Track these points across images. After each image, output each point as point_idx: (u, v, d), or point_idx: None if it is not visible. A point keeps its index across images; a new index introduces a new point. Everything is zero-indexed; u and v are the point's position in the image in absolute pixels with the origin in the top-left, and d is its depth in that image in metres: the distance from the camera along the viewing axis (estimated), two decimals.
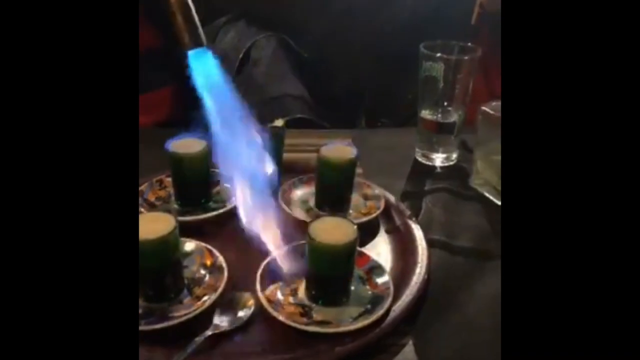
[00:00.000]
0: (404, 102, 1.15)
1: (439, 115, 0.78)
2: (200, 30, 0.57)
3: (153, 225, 0.47)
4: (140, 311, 0.48)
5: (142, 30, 1.11)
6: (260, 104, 0.98)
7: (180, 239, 0.49)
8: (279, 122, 0.86)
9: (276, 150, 0.69)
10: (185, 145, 0.62)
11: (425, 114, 0.79)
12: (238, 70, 1.03)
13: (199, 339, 0.45)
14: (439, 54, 0.74)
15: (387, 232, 0.63)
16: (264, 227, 0.54)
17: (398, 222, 0.63)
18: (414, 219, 0.63)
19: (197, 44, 0.56)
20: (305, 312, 0.49)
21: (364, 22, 1.11)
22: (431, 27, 0.91)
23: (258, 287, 0.50)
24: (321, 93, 1.08)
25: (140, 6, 1.11)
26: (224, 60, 1.05)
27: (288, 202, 0.65)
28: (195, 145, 0.61)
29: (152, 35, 1.14)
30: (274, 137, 0.69)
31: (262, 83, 1.00)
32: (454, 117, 0.77)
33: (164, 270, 0.48)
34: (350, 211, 0.64)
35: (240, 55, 1.03)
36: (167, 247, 0.47)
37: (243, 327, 0.47)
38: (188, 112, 0.63)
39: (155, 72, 1.14)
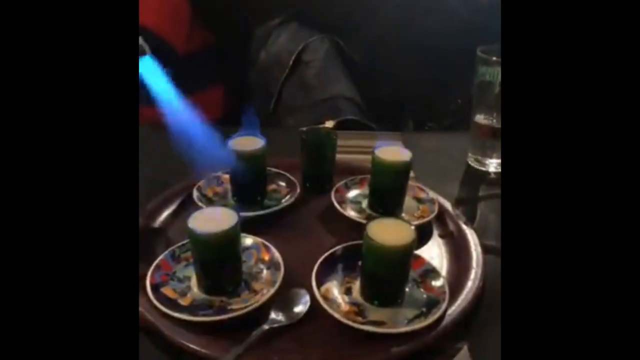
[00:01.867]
0: (452, 106, 1.14)
1: (494, 120, 0.77)
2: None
3: (216, 219, 0.48)
4: (199, 303, 0.49)
5: (197, 30, 1.14)
6: (312, 105, 0.99)
7: (240, 234, 0.50)
8: (330, 123, 0.87)
9: (328, 151, 0.70)
10: (243, 143, 0.63)
11: (480, 118, 0.78)
12: (290, 72, 1.04)
13: (256, 333, 0.46)
14: (495, 58, 0.73)
15: (441, 236, 0.62)
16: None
17: (452, 226, 0.63)
18: (467, 224, 0.63)
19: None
20: (360, 311, 0.49)
21: (416, 28, 1.11)
22: (483, 32, 0.90)
23: (314, 284, 0.50)
24: (371, 95, 1.09)
25: (194, 7, 1.14)
26: (277, 61, 1.08)
27: (341, 202, 0.65)
28: (253, 143, 0.63)
29: (205, 34, 1.17)
30: (326, 137, 0.70)
31: (313, 85, 1.01)
32: None
33: (225, 263, 0.49)
34: (403, 214, 0.64)
35: (293, 57, 1.04)
36: (229, 241, 0.48)
37: (299, 323, 0.48)
38: (239, 110, 0.65)
39: (209, 71, 1.17)
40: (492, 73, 0.74)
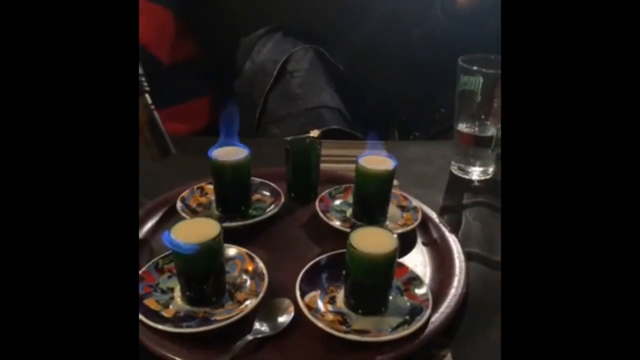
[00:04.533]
0: (437, 116, 1.16)
1: (476, 129, 0.78)
2: (169, 140, 0.60)
3: (198, 230, 0.48)
4: (182, 314, 0.49)
5: (183, 40, 1.14)
6: (296, 114, 1.00)
7: (223, 244, 0.50)
8: (315, 133, 0.87)
9: (313, 160, 0.71)
10: (226, 153, 0.63)
11: (462, 127, 0.79)
12: (275, 82, 1.05)
13: (239, 344, 0.46)
14: (476, 68, 0.74)
15: (424, 244, 0.63)
16: None
17: (435, 234, 0.63)
18: (450, 231, 0.63)
19: (166, 154, 0.59)
20: (344, 320, 0.49)
21: (400, 38, 1.12)
22: (466, 42, 0.91)
23: (298, 294, 0.50)
24: (356, 105, 1.10)
25: (179, 18, 1.14)
26: (262, 71, 1.08)
27: (325, 211, 0.65)
28: (236, 153, 0.63)
29: (191, 45, 1.17)
30: (310, 147, 0.70)
31: (298, 94, 1.02)
32: (491, 131, 0.77)
33: (208, 274, 0.49)
34: (387, 222, 0.64)
35: (278, 67, 1.05)
36: (212, 252, 0.48)
37: (283, 333, 0.48)
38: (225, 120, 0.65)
39: (194, 81, 1.17)
40: (474, 82, 0.75)
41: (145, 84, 0.57)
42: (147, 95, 0.57)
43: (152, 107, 0.57)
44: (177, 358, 0.45)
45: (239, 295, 0.51)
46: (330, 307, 0.50)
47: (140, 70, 0.56)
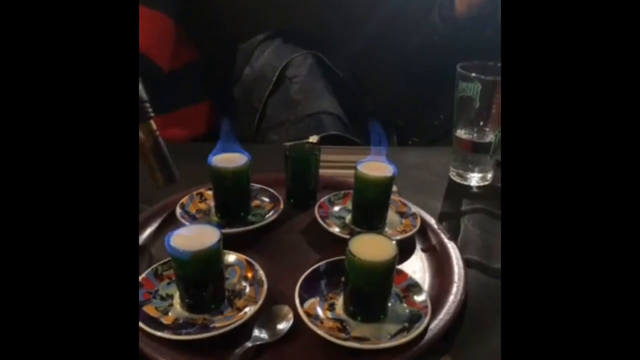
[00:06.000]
0: (435, 122, 1.16)
1: (475, 135, 0.79)
2: (173, 166, 0.60)
3: (198, 236, 0.48)
4: (181, 321, 0.49)
5: (182, 46, 1.14)
6: (296, 120, 1.00)
7: (223, 251, 0.50)
8: (314, 139, 0.87)
9: (312, 166, 0.71)
10: (226, 159, 0.63)
11: (461, 133, 0.79)
12: (274, 88, 1.05)
13: (239, 351, 0.46)
14: (475, 74, 0.74)
15: (423, 250, 0.63)
16: None
17: (434, 241, 0.64)
18: (449, 238, 0.63)
19: (170, 181, 0.60)
20: (344, 327, 0.49)
21: (398, 44, 1.12)
22: (464, 49, 0.92)
23: (297, 301, 0.50)
24: (354, 110, 1.10)
25: (179, 25, 1.14)
26: (261, 77, 1.08)
27: (324, 217, 0.65)
28: (236, 159, 0.63)
29: (190, 51, 1.17)
30: (309, 153, 0.71)
31: (297, 100, 1.02)
32: (489, 137, 0.78)
33: (208, 281, 0.49)
34: (386, 229, 0.65)
35: (277, 73, 1.05)
36: (211, 258, 0.48)
37: (282, 340, 0.48)
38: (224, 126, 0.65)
39: (193, 87, 1.17)
40: (472, 89, 0.75)
41: (150, 109, 0.57)
42: (151, 122, 0.56)
43: (157, 133, 0.57)
44: None
45: (238, 302, 0.51)
46: (329, 314, 0.50)
47: (145, 97, 0.55)
